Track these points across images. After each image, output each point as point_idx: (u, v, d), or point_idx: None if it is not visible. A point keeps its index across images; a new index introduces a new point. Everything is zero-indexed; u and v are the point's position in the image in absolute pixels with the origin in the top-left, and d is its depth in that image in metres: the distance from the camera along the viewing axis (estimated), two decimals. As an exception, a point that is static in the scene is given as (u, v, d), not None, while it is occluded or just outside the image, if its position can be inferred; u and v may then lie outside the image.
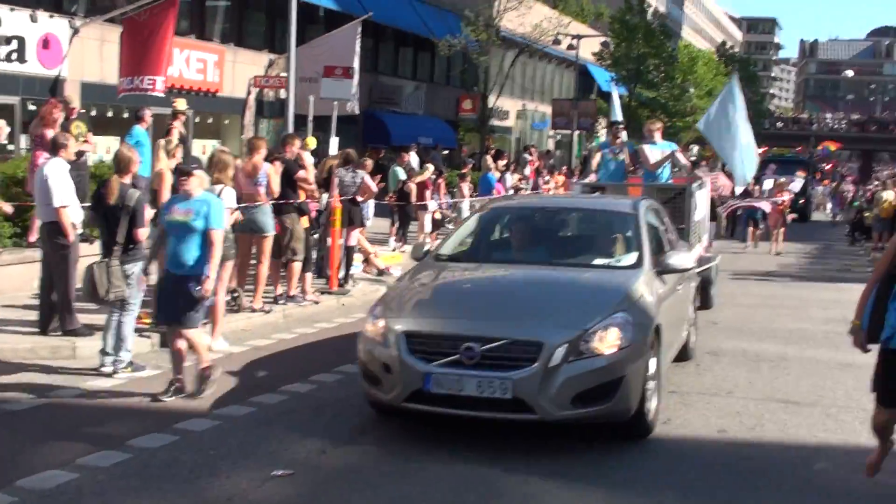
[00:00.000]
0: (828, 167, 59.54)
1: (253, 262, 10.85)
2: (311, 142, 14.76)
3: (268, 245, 10.59)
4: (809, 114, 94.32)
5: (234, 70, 24.35)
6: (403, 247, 16.17)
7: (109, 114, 20.02)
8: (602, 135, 37.70)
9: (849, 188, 42.84)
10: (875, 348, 5.23)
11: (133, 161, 8.10)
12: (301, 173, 11.47)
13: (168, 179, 9.50)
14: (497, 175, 19.14)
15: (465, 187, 19.99)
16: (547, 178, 25.61)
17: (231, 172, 9.10)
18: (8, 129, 13.00)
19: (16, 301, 10.16)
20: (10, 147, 16.99)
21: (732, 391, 8.04)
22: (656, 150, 12.45)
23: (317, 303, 11.54)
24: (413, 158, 19.05)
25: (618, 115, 15.79)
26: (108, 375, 7.80)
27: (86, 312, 8.85)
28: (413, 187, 17.34)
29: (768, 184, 26.01)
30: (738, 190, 16.99)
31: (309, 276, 11.75)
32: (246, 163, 10.52)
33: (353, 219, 12.57)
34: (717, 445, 6.57)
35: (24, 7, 17.38)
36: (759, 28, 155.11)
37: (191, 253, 7.17)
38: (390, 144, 26.07)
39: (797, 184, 30.89)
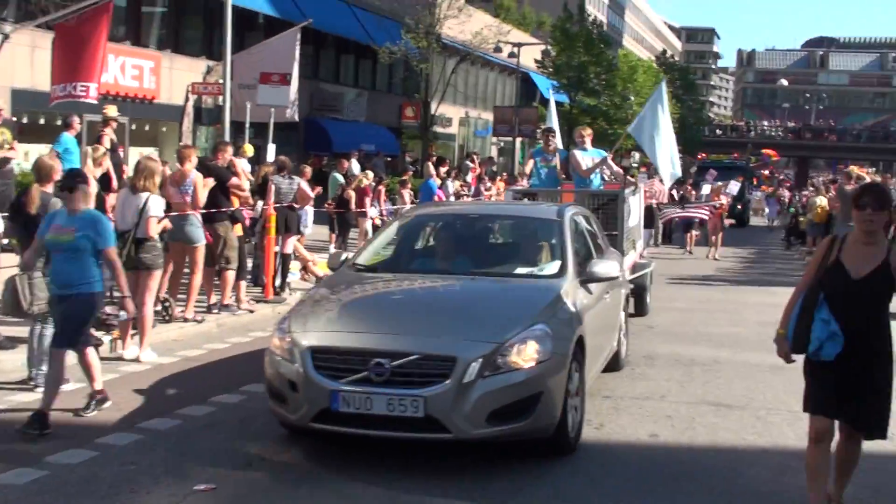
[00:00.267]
0: (766, 173, 60.71)
1: (186, 271, 10.65)
2: (248, 149, 14.62)
3: (199, 255, 10.42)
4: (747, 121, 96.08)
5: (172, 77, 24.03)
6: (343, 255, 16.02)
7: (41, 121, 19.61)
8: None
9: (785, 194, 43.68)
10: (799, 359, 5.23)
11: (54, 169, 7.90)
12: (234, 180, 11.31)
13: (93, 188, 9.25)
14: (438, 182, 19.09)
15: (406, 194, 19.91)
16: (489, 184, 25.63)
17: (158, 180, 8.93)
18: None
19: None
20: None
21: (665, 395, 8.07)
22: (587, 156, 12.50)
23: (251, 311, 11.37)
24: (354, 165, 18.96)
25: (553, 122, 15.81)
26: (31, 389, 7.55)
27: (7, 325, 8.56)
28: (352, 194, 17.25)
29: (706, 189, 26.40)
30: (668, 183, 17.21)
31: (243, 284, 11.57)
32: (175, 171, 10.34)
33: (289, 226, 12.45)
34: (649, 450, 6.56)
35: (-49, 13, 16.98)
36: (699, 38, 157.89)
37: (77, 273, 6.72)
38: (332, 151, 26.00)
39: (734, 186, 31.42)
